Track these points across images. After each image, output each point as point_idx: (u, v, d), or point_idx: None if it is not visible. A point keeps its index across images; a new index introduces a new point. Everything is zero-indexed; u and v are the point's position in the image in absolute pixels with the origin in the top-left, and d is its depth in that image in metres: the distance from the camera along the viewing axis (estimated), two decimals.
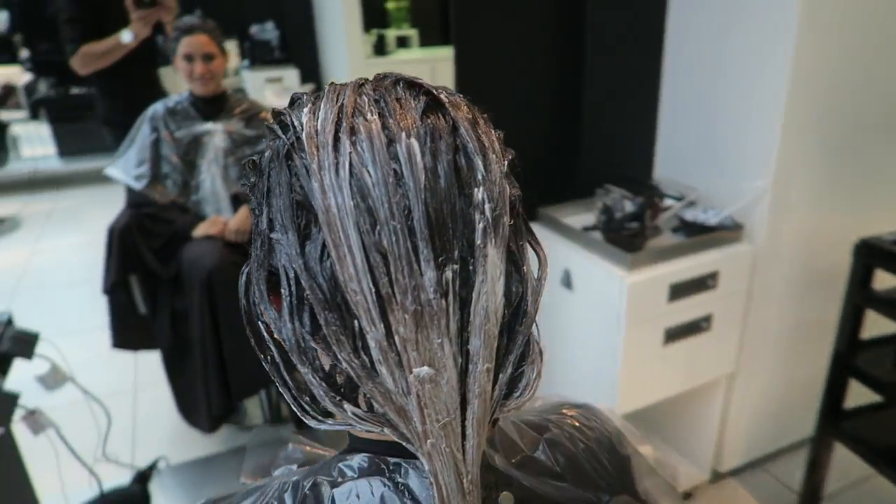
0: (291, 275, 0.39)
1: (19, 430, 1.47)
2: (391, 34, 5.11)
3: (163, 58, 2.48)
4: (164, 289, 2.14)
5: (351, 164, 0.37)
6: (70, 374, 1.59)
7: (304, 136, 0.40)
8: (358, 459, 0.45)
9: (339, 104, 0.41)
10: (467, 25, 1.66)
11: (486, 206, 0.39)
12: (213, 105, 2.14)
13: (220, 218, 2.11)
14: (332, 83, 0.45)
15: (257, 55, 5.02)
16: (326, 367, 0.40)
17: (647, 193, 1.66)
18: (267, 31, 5.10)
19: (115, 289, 2.10)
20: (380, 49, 4.98)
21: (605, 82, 1.85)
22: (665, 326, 1.61)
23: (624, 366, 1.60)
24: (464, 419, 0.39)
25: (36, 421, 1.41)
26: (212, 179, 2.18)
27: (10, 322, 1.54)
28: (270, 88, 4.70)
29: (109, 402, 1.77)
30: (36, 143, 5.14)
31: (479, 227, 0.38)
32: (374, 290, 0.37)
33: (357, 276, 0.37)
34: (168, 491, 1.85)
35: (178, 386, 2.22)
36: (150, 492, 1.75)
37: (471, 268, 0.38)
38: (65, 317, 2.85)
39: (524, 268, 0.42)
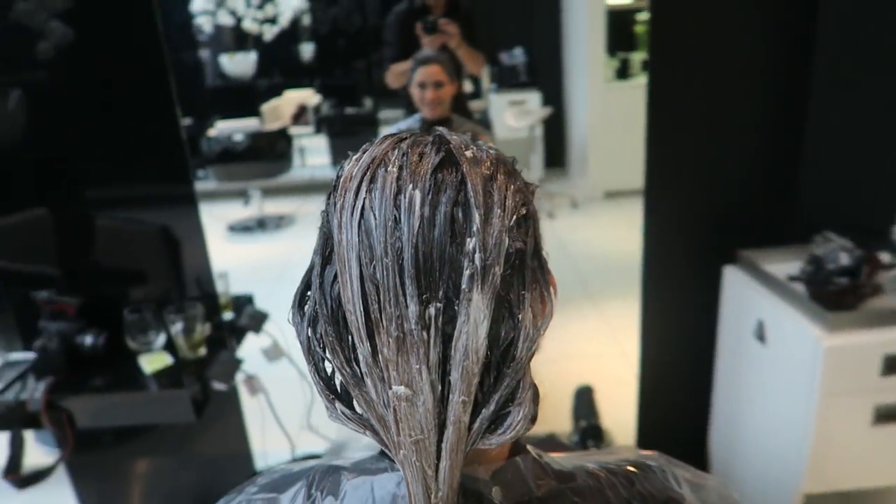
0: (314, 291, 0.48)
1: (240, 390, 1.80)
2: (637, 58, 5.00)
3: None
4: None
5: (363, 208, 0.44)
6: (288, 352, 1.89)
7: (341, 180, 0.48)
8: (381, 462, 0.52)
9: (374, 154, 0.47)
10: (666, 47, 1.60)
11: (476, 255, 0.42)
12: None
13: None
14: (387, 135, 0.52)
15: (504, 79, 5.31)
16: (329, 371, 0.48)
17: (870, 245, 1.43)
18: (515, 57, 5.36)
19: None
20: (622, 73, 4.92)
21: (836, 112, 1.63)
22: (876, 403, 1.37)
23: (817, 439, 1.40)
24: (440, 442, 0.43)
25: (253, 385, 1.72)
26: None
27: (250, 301, 1.90)
28: (511, 110, 4.93)
29: None
30: (316, 154, 6.08)
31: (467, 273, 0.42)
32: (364, 313, 0.43)
33: (353, 299, 0.44)
34: None
35: None
36: None
37: (456, 308, 0.42)
38: None
39: (520, 315, 0.45)
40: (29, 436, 1.95)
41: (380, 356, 0.43)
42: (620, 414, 2.21)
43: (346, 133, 5.71)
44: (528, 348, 0.45)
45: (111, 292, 1.74)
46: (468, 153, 0.46)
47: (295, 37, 6.77)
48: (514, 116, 4.78)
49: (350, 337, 0.45)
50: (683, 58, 1.63)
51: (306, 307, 0.49)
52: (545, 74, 5.40)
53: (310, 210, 5.33)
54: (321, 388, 0.47)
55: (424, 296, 0.42)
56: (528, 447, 0.54)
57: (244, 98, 5.89)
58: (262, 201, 4.96)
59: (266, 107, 5.54)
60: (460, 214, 0.43)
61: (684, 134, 1.68)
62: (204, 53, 6.35)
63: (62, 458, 1.50)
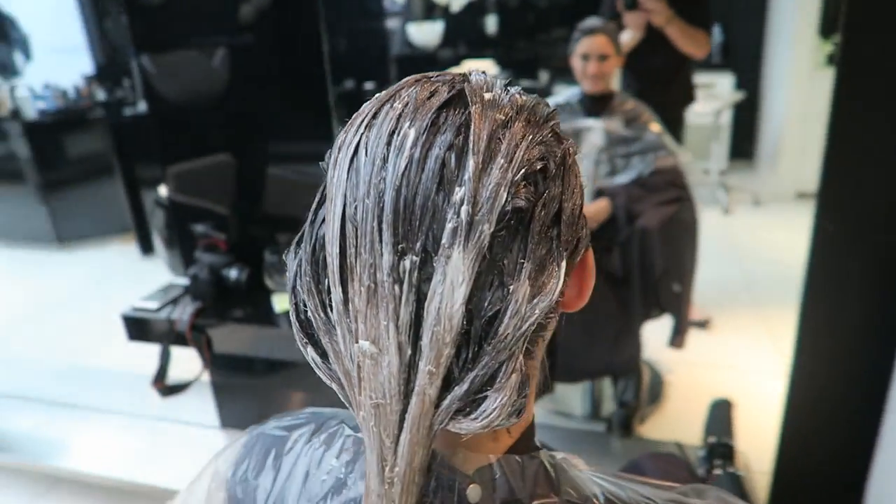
0: (305, 230, 0.45)
1: None
2: None
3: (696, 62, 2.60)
4: None
5: (358, 144, 0.41)
6: None
7: (353, 116, 0.44)
8: None
9: (390, 91, 0.44)
10: (863, 22, 1.35)
11: (463, 207, 0.37)
12: (599, 103, 2.24)
13: None
14: (421, 74, 0.48)
15: (694, 59, 4.89)
16: (308, 314, 0.45)
17: None
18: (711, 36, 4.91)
19: None
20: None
21: None
22: None
23: None
24: (404, 411, 0.39)
25: None
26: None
27: None
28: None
29: None
30: None
31: (449, 226, 0.37)
32: (340, 255, 0.40)
33: (332, 239, 0.40)
34: None
35: None
36: None
37: (435, 265, 0.38)
38: None
39: (511, 286, 0.38)
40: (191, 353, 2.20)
41: (350, 305, 0.39)
42: (763, 438, 1.97)
43: None
44: (517, 327, 0.38)
45: (265, 234, 1.89)
46: (486, 95, 0.41)
47: (482, 8, 6.82)
48: (698, 100, 4.40)
49: (327, 281, 0.41)
50: (885, 36, 1.36)
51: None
52: (742, 56, 4.89)
53: None
54: (297, 330, 0.45)
55: (400, 245, 0.38)
56: (544, 451, 0.47)
57: (425, 66, 6.04)
58: None
59: None
60: (453, 159, 0.38)
61: (878, 125, 1.41)
62: (393, 23, 6.63)
63: (199, 376, 1.66)
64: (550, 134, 0.42)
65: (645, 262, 2.05)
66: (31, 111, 4.01)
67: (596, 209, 2.13)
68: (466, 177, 0.38)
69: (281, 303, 1.64)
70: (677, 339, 2.21)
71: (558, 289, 0.40)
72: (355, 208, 0.39)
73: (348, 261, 0.39)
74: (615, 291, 2.06)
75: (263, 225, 1.89)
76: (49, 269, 3.99)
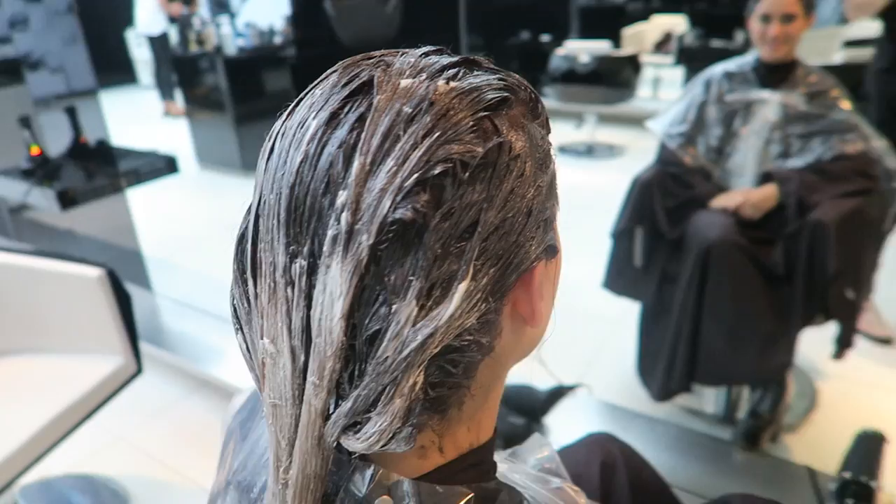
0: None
1: None
2: None
3: None
4: (663, 248, 2.13)
5: (277, 134, 0.39)
6: None
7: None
8: None
9: (329, 70, 0.41)
10: None
11: (344, 214, 0.34)
12: (777, 72, 1.97)
13: (744, 190, 1.97)
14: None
15: None
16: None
17: None
18: None
19: (621, 235, 2.18)
20: None
21: None
22: None
23: None
24: (298, 416, 0.38)
25: None
26: (746, 151, 2.05)
27: None
28: None
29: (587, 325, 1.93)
30: (670, 87, 5.62)
31: (329, 233, 0.35)
32: (252, 248, 0.39)
33: (248, 231, 0.40)
34: (558, 414, 1.98)
35: (645, 343, 2.25)
36: (548, 406, 1.93)
37: (319, 273, 0.36)
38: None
39: (395, 305, 0.34)
40: None
41: (258, 301, 0.39)
42: None
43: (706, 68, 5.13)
44: (398, 350, 0.35)
45: None
46: (403, 82, 0.36)
47: None
48: None
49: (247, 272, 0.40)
50: None
51: None
52: None
53: (643, 144, 5.04)
54: (231, 314, 0.44)
55: (292, 248, 0.36)
56: (491, 484, 0.42)
57: (611, 19, 5.71)
58: (595, 127, 4.85)
59: (628, 30, 5.29)
60: (341, 159, 0.35)
61: None
62: None
63: None
64: (473, 129, 0.35)
65: (814, 262, 1.78)
66: (231, 47, 4.43)
67: (761, 195, 1.90)
68: (350, 180, 0.34)
69: None
70: (841, 351, 1.94)
71: (448, 314, 0.35)
72: (263, 202, 0.38)
73: (258, 255, 0.39)
74: (773, 291, 1.83)
75: None
76: (231, 193, 4.46)
